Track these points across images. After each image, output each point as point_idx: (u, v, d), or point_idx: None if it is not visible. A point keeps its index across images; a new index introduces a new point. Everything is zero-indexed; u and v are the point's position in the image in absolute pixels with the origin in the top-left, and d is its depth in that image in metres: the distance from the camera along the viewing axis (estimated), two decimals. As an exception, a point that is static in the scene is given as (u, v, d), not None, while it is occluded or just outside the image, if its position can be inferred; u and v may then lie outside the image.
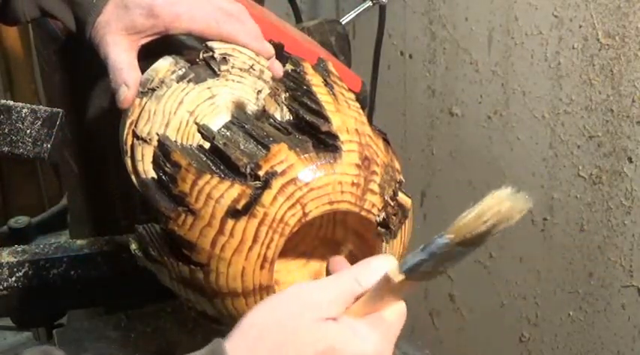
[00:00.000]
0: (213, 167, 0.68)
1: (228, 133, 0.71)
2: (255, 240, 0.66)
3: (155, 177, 0.71)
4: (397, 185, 0.72)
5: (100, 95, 1.03)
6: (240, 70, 0.86)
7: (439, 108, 1.55)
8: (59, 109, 0.95)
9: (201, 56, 0.86)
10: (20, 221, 1.38)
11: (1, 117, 0.93)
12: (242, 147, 0.69)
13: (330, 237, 0.77)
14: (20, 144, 0.92)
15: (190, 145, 0.71)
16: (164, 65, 0.85)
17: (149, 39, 0.85)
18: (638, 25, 1.14)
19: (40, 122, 0.93)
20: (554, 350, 1.45)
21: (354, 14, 1.46)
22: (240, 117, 0.72)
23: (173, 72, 0.84)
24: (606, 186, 1.26)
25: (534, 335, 1.48)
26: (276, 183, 0.66)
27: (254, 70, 0.87)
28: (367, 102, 1.36)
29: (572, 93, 1.26)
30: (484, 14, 1.38)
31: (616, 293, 1.30)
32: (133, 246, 0.74)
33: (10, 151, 0.92)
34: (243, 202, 0.66)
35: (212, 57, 0.86)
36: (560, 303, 1.41)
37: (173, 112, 0.83)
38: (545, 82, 1.30)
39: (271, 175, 0.66)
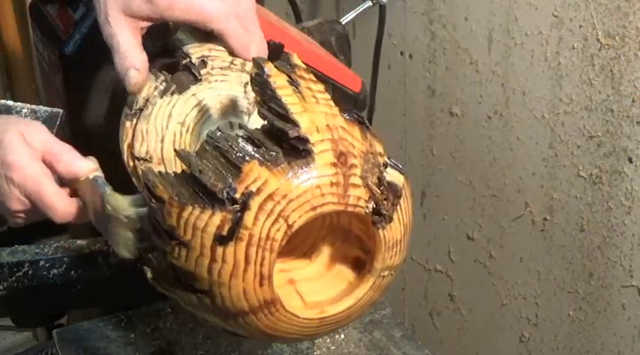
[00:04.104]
0: (194, 196, 0.67)
1: (203, 157, 0.69)
2: (247, 262, 0.67)
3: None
4: (381, 169, 0.71)
5: (100, 95, 1.03)
6: (221, 68, 0.86)
7: (439, 108, 1.55)
8: (59, 109, 0.95)
9: (181, 63, 0.86)
10: (20, 221, 1.37)
11: (1, 117, 0.93)
12: (217, 170, 0.68)
13: (336, 224, 0.77)
14: (20, 144, 0.92)
15: (174, 173, 0.70)
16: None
17: (148, 24, 0.84)
18: (638, 25, 1.14)
19: (40, 122, 0.93)
20: (554, 350, 1.45)
21: (354, 14, 1.46)
22: (213, 136, 0.70)
23: (155, 88, 0.84)
24: (606, 186, 1.26)
25: (534, 335, 1.48)
26: (254, 203, 0.66)
27: (235, 64, 0.87)
28: (367, 102, 1.36)
29: (572, 93, 1.26)
30: (484, 14, 1.38)
31: (616, 293, 1.30)
32: (149, 275, 0.74)
33: (10, 151, 0.91)
34: (226, 228, 0.66)
35: (191, 62, 0.85)
36: (560, 303, 1.41)
37: (165, 127, 0.83)
38: (545, 82, 1.30)
39: (248, 196, 0.66)
